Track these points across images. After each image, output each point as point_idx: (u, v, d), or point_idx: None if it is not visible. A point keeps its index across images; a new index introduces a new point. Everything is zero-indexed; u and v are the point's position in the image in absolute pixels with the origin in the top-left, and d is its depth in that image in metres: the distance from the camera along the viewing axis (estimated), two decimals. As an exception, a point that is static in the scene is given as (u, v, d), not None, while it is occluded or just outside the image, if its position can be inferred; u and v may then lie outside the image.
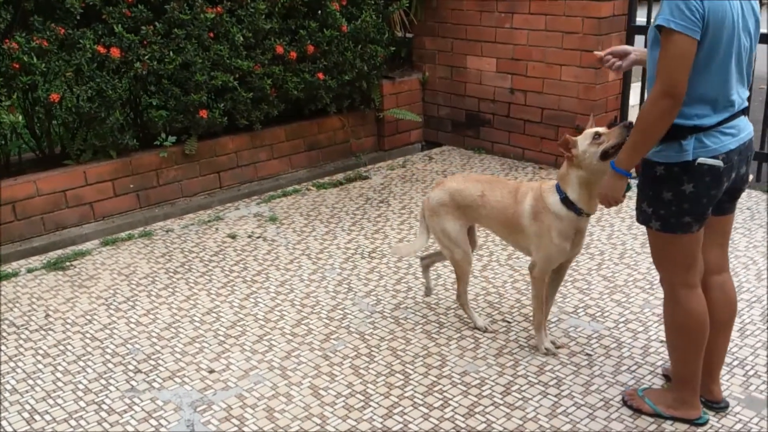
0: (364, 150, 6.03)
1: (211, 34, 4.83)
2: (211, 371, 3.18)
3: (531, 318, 3.44)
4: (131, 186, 4.85)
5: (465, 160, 5.95)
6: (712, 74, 2.35)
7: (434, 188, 3.43)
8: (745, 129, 2.49)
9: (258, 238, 4.60)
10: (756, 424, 2.73)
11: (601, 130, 2.83)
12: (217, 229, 4.75)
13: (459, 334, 3.42)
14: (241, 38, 4.90)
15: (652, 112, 2.33)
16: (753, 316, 3.48)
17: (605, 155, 2.78)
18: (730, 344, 3.12)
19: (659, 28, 2.30)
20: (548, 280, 3.19)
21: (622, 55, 2.84)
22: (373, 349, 3.32)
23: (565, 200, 2.95)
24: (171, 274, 4.11)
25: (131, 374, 3.17)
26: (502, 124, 5.93)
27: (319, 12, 5.30)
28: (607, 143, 2.77)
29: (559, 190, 2.98)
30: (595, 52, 2.93)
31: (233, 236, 4.62)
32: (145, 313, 3.69)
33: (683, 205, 2.45)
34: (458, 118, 6.23)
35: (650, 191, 2.51)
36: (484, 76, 5.93)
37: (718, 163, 2.39)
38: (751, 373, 3.05)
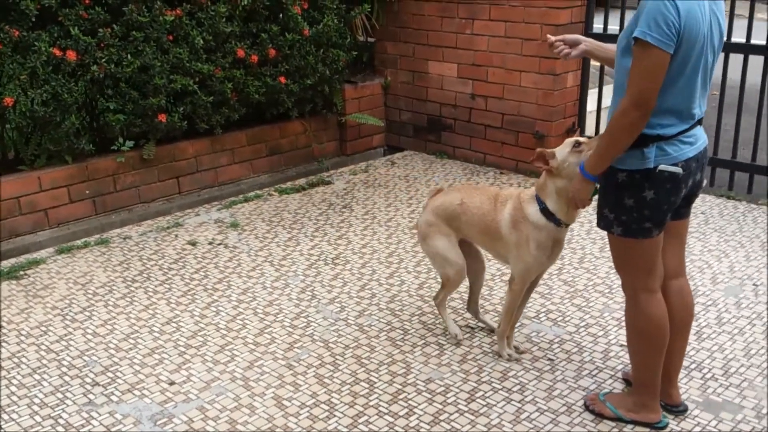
0: (326, 155, 6.00)
1: (171, 37, 4.76)
2: (172, 383, 3.13)
3: (494, 322, 3.46)
4: (87, 192, 4.74)
5: (427, 165, 5.97)
6: (680, 88, 2.41)
7: (421, 214, 3.44)
8: (701, 137, 2.58)
9: (219, 244, 4.54)
10: (714, 427, 2.79)
11: (581, 139, 2.86)
12: (176, 236, 4.67)
13: (423, 341, 3.42)
14: (201, 41, 4.84)
15: (622, 122, 2.38)
16: (709, 320, 3.55)
17: None
18: (688, 348, 3.17)
19: (636, 39, 2.33)
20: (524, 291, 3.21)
21: (573, 44, 2.89)
22: (337, 357, 3.30)
23: (545, 211, 2.96)
24: (129, 283, 4.04)
25: (89, 387, 3.10)
26: (464, 129, 5.96)
27: (281, 15, 5.26)
28: (588, 151, 2.79)
29: (538, 200, 2.99)
30: (548, 36, 2.97)
31: (193, 243, 4.55)
32: (102, 324, 3.61)
33: (644, 211, 2.51)
34: (420, 123, 6.24)
35: (612, 197, 2.56)
36: (446, 81, 5.95)
37: (678, 170, 2.46)
38: (708, 376, 3.11)
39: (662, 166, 2.45)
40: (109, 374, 3.19)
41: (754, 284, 3.89)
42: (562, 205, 2.92)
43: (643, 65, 2.32)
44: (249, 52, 5.10)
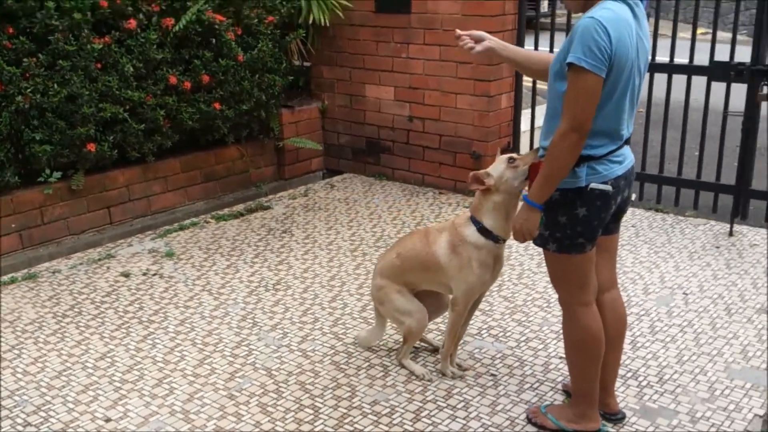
0: (264, 179, 5.96)
1: (99, 65, 4.67)
2: (108, 420, 3.02)
3: (437, 341, 3.47)
4: (13, 226, 4.58)
5: (367, 187, 5.98)
6: (610, 110, 2.48)
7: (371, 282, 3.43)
8: (629, 156, 2.68)
9: (154, 275, 4.44)
10: (653, 434, 2.85)
11: (514, 155, 2.91)
12: (108, 267, 4.55)
13: (368, 363, 3.40)
14: (132, 69, 4.76)
15: (561, 146, 2.44)
16: (643, 329, 3.64)
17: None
18: (624, 356, 3.24)
19: (570, 65, 2.39)
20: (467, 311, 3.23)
21: (478, 40, 2.95)
22: (280, 384, 3.25)
23: (482, 230, 3.00)
24: (59, 319, 3.90)
25: (20, 428, 2.97)
26: (402, 151, 6.01)
27: (214, 41, 5.22)
28: (523, 165, 2.84)
29: (474, 221, 3.03)
30: (456, 30, 3.02)
31: (126, 275, 4.44)
32: (32, 362, 3.47)
33: (577, 227, 2.58)
34: (359, 146, 6.26)
35: (547, 215, 2.61)
36: (383, 104, 6.00)
37: (608, 188, 2.54)
38: (644, 383, 3.18)
39: (593, 185, 2.53)
40: (42, 414, 3.06)
41: (683, 293, 4.01)
42: (499, 221, 2.96)
43: (579, 90, 2.39)
44: (181, 78, 5.04)
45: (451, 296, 3.19)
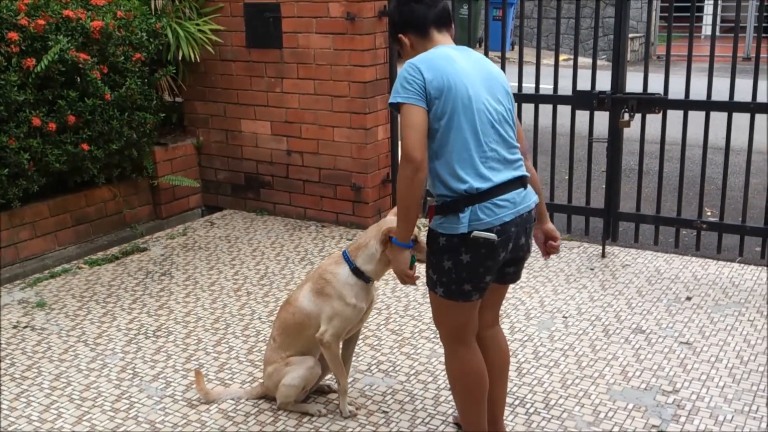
0: (139, 220, 5.75)
1: (-46, 108, 4.37)
2: (-24, 494, 2.80)
3: (328, 385, 3.44)
4: None
5: (248, 223, 5.89)
6: (455, 144, 2.52)
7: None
8: (525, 201, 2.61)
9: (25, 327, 4.17)
10: (541, 459, 2.94)
11: (420, 237, 2.88)
12: (-27, 323, 4.24)
13: (257, 409, 3.32)
14: (-9, 111, 4.49)
15: (400, 179, 2.52)
16: (527, 355, 3.76)
17: None
18: (510, 384, 3.34)
19: (391, 106, 2.55)
20: (342, 345, 3.21)
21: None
22: (165, 438, 3.12)
23: (355, 270, 3.03)
24: None
25: None
26: (282, 185, 5.97)
27: (79, 80, 5.00)
28: (417, 253, 2.83)
29: (348, 260, 3.05)
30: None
31: (-6, 330, 4.15)
32: None
33: (462, 273, 2.59)
34: (237, 181, 6.17)
35: (434, 259, 2.64)
36: (260, 138, 5.94)
37: (492, 236, 2.51)
38: (531, 410, 3.28)
39: (475, 233, 2.51)
40: None
41: (563, 316, 4.18)
42: (378, 268, 3.02)
43: (404, 122, 2.51)
44: (46, 119, 4.80)
45: (318, 332, 3.10)
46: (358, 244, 3.07)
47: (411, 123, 2.48)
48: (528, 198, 2.64)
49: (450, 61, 2.55)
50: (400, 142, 2.55)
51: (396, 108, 2.54)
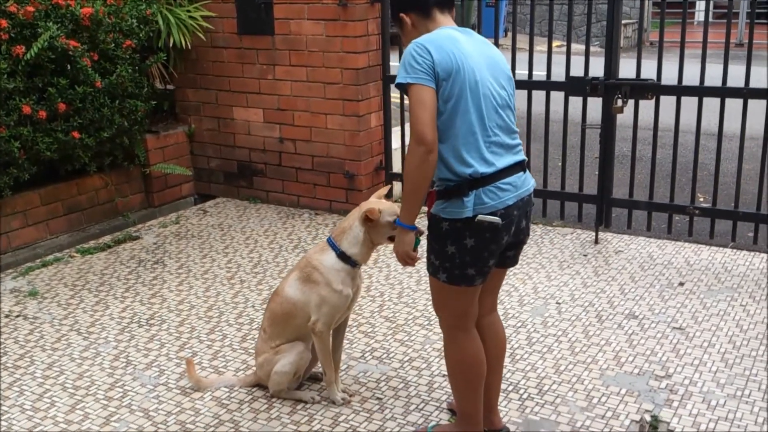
0: (131, 208, 5.72)
1: (-57, 96, 4.33)
2: (-30, 483, 2.79)
3: (320, 372, 3.44)
4: None
5: (241, 211, 5.87)
6: (460, 127, 2.49)
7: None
8: (525, 184, 2.63)
9: (17, 316, 4.15)
10: (534, 444, 2.95)
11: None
12: (-35, 312, 4.22)
13: (251, 397, 3.32)
14: (-20, 99, 4.45)
15: (410, 161, 2.47)
16: (520, 341, 3.77)
17: None
18: (504, 370, 3.34)
19: (399, 86, 2.49)
20: (332, 334, 3.22)
21: None
22: (159, 426, 3.12)
23: (342, 255, 3.03)
24: None
25: None
26: (275, 173, 5.95)
27: (69, 68, 4.96)
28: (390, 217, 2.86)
29: (333, 246, 3.05)
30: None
31: (-14, 319, 4.13)
32: None
33: (466, 257, 2.56)
34: (230, 169, 6.14)
35: (437, 245, 2.62)
36: (252, 126, 5.92)
37: (496, 220, 2.51)
38: (525, 396, 3.29)
39: (480, 217, 2.50)
40: None
41: (556, 303, 4.19)
42: (363, 249, 3.04)
43: (413, 103, 2.45)
44: (36, 107, 4.76)
45: (310, 321, 3.11)
46: (342, 228, 3.08)
47: (421, 103, 2.42)
48: (527, 181, 2.66)
49: (456, 42, 2.51)
50: (408, 124, 2.52)
51: (404, 88, 2.48)
